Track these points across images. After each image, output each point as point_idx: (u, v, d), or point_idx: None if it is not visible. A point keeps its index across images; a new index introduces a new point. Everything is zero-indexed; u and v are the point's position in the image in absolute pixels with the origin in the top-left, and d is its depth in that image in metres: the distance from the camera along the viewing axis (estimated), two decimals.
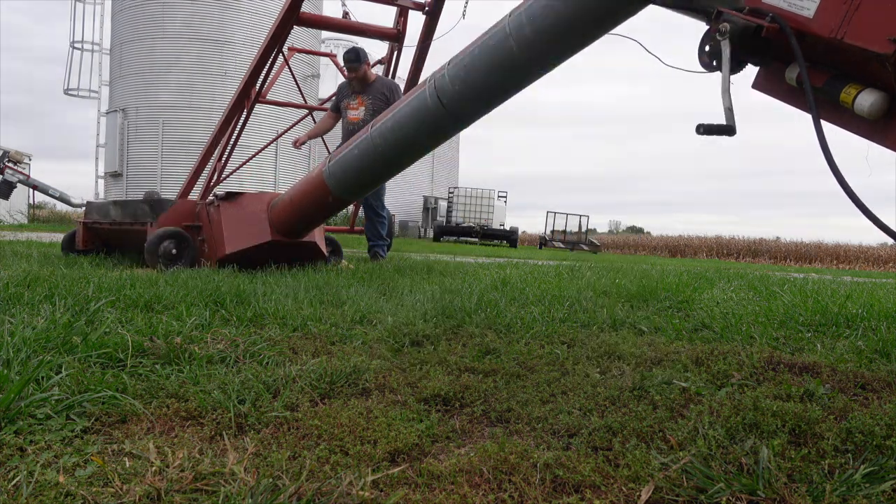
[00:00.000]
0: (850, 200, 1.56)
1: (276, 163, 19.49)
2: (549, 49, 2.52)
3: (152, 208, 4.37)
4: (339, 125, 6.42)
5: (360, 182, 3.66)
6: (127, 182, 20.58)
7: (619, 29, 2.37)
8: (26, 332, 1.79)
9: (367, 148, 3.45)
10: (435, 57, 6.53)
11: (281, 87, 10.15)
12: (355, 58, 6.05)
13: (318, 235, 4.56)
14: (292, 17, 6.14)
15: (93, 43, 22.67)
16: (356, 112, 6.10)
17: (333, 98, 6.42)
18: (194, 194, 6.47)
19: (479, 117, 3.10)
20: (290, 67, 7.21)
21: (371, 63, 6.34)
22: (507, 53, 2.60)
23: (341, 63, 6.46)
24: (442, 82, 2.93)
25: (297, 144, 6.33)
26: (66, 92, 22.77)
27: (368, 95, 6.09)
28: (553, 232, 27.61)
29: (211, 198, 4.35)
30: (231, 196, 4.31)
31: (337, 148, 3.89)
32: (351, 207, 9.09)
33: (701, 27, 1.88)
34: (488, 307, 2.88)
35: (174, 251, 4.16)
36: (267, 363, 1.81)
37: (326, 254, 4.73)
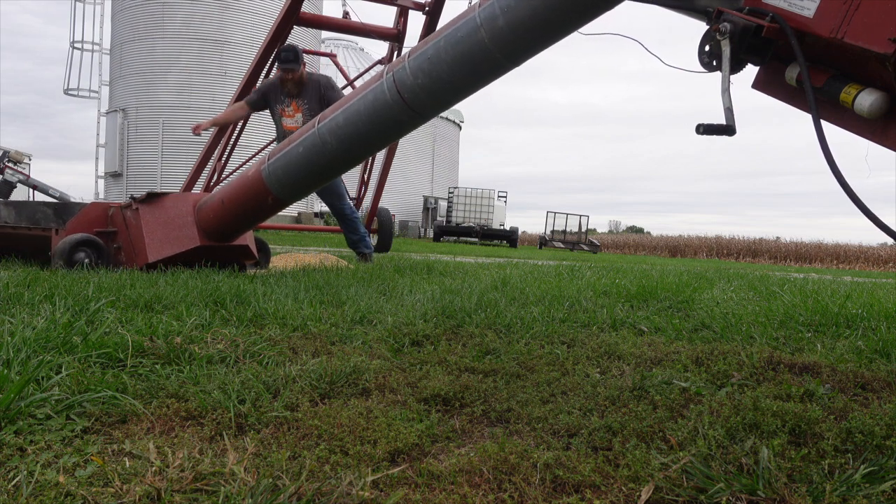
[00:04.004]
0: (850, 200, 1.56)
1: None
2: (523, 41, 2.38)
3: (58, 212, 4.00)
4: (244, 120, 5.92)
5: (306, 182, 3.44)
6: (127, 182, 20.60)
7: (618, 28, 2.35)
8: (26, 332, 1.78)
9: (314, 145, 3.21)
10: None
11: None
12: (294, 58, 5.46)
13: (248, 237, 4.24)
14: (292, 17, 6.14)
15: (93, 43, 22.68)
16: (292, 120, 5.63)
17: (254, 92, 5.80)
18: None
19: (440, 112, 2.96)
20: None
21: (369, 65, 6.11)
22: (478, 46, 2.46)
23: (342, 63, 6.32)
24: (402, 75, 2.74)
25: (198, 130, 5.61)
26: (66, 92, 22.80)
27: (303, 99, 5.61)
28: (553, 232, 27.62)
29: (128, 199, 4.00)
30: (152, 197, 3.93)
31: (278, 145, 3.61)
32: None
33: (701, 27, 1.87)
34: (488, 307, 2.88)
35: (86, 260, 3.76)
36: (267, 363, 1.81)
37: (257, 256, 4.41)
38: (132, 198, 3.96)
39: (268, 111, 5.71)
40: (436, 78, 2.64)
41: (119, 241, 3.97)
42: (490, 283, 3.94)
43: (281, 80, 5.53)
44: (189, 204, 3.98)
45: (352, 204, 6.09)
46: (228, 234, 3.97)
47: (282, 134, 5.66)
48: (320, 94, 5.63)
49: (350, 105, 3.04)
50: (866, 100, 1.56)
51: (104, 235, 3.95)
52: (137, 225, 3.85)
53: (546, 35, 2.35)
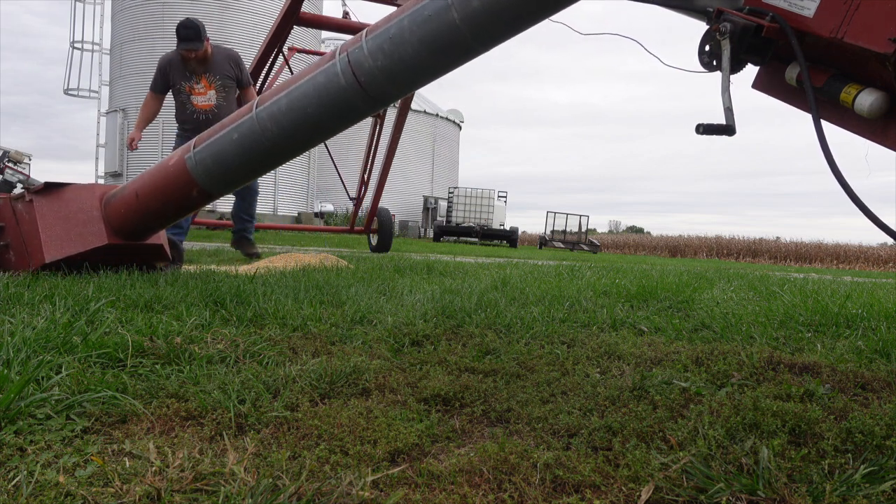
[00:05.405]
0: (850, 200, 1.56)
1: None
2: (500, 23, 2.20)
3: None
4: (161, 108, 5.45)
5: (241, 172, 3.05)
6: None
7: (618, 28, 2.34)
8: (26, 332, 1.78)
9: (251, 132, 2.85)
10: None
11: None
12: (196, 36, 4.99)
13: (161, 235, 3.77)
14: (292, 17, 6.15)
15: (93, 43, 22.68)
16: (204, 98, 5.17)
17: (155, 77, 5.32)
18: None
19: (399, 97, 2.72)
20: (290, 67, 7.22)
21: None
22: (448, 27, 2.24)
23: None
24: (358, 56, 2.48)
25: (134, 145, 5.18)
26: (66, 92, 22.81)
27: (214, 75, 5.19)
28: (553, 232, 27.62)
29: (20, 190, 3.56)
30: (50, 187, 3.41)
31: (204, 132, 3.18)
32: (351, 207, 9.11)
33: (701, 27, 1.88)
34: (488, 307, 2.88)
35: None
36: (267, 363, 1.81)
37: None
38: (26, 188, 3.49)
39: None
40: (398, 60, 2.39)
41: (7, 238, 3.40)
42: (490, 283, 3.94)
43: (183, 58, 5.14)
44: (95, 196, 3.50)
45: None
46: (141, 231, 3.51)
47: (191, 112, 5.26)
48: (234, 69, 5.27)
49: (296, 88, 2.72)
50: (866, 100, 1.56)
51: None
52: (31, 219, 3.32)
53: (526, 17, 2.18)
